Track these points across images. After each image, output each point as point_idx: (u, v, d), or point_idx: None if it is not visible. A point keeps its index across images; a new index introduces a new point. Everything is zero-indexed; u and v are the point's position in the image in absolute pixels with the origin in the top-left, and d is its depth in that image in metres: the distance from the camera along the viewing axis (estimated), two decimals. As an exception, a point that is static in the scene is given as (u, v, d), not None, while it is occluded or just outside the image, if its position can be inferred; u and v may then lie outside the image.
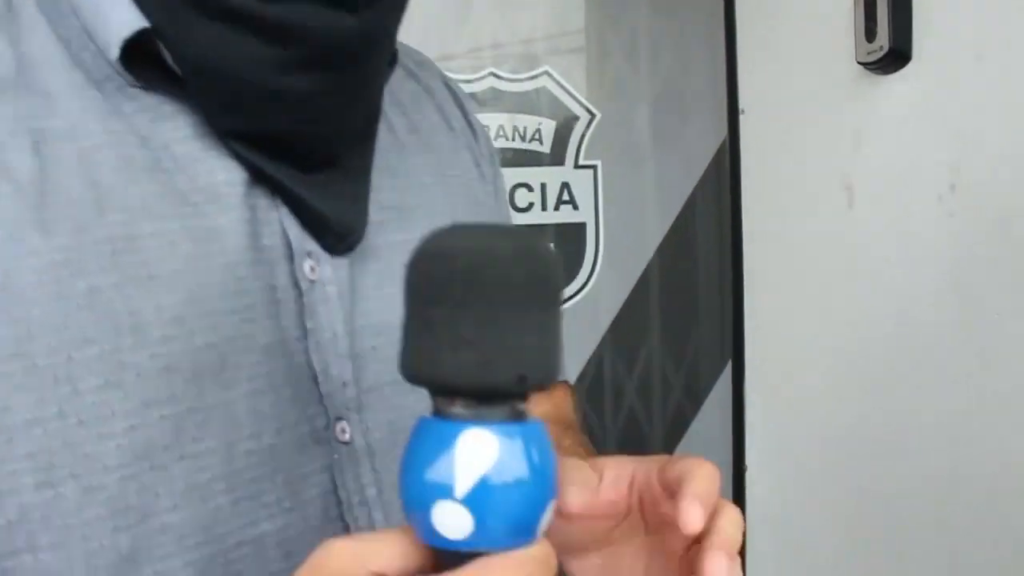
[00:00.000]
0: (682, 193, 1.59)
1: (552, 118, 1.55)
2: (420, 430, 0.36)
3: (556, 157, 1.55)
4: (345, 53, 0.51)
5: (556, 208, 1.55)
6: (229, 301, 0.50)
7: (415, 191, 0.62)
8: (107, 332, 0.46)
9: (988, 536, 1.04)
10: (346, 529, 0.54)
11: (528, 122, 1.54)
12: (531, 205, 1.55)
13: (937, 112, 1.10)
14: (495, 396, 0.35)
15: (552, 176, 1.55)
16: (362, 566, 0.36)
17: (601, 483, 0.48)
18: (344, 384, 0.54)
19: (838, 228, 1.28)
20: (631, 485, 0.48)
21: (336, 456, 0.54)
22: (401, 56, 0.63)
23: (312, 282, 0.53)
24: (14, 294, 0.45)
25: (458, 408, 0.35)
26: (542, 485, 0.36)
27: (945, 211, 1.09)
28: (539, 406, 0.67)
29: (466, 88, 1.52)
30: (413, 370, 0.36)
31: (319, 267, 0.53)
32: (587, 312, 1.58)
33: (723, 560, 0.41)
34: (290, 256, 0.53)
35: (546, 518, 0.37)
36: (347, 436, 0.54)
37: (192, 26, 0.48)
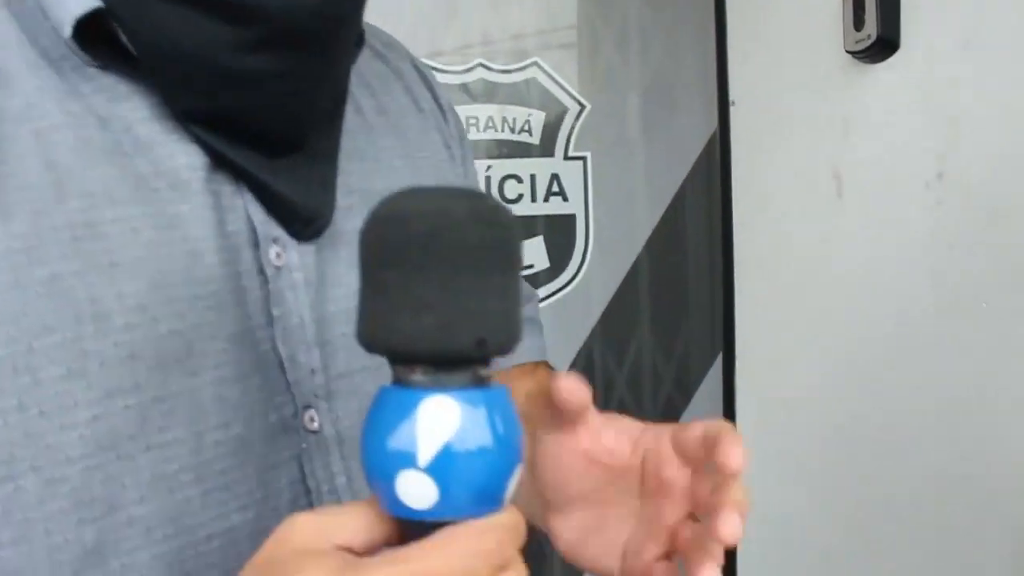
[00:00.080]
0: (672, 185, 1.59)
1: (542, 109, 1.55)
2: (380, 399, 0.36)
3: (546, 148, 1.55)
4: (307, 33, 0.50)
5: (546, 200, 1.55)
6: (193, 288, 0.49)
7: (384, 174, 0.61)
8: (68, 320, 0.45)
9: (970, 516, 1.04)
10: None
11: (517, 113, 1.54)
12: (520, 196, 1.54)
13: (925, 100, 1.10)
14: (455, 361, 0.35)
15: (542, 167, 1.55)
16: (327, 540, 0.36)
17: (604, 430, 0.48)
18: (312, 372, 0.53)
19: (827, 217, 1.28)
20: (636, 444, 0.48)
21: (304, 445, 0.53)
22: (368, 37, 0.62)
23: (278, 268, 0.52)
24: None
25: (418, 375, 0.35)
26: (507, 451, 0.36)
27: (933, 199, 1.09)
28: (523, 384, 0.67)
29: (455, 79, 1.52)
30: (370, 337, 0.35)
31: (285, 253, 0.53)
32: (577, 304, 1.57)
33: (738, 520, 0.42)
34: (255, 242, 0.52)
35: (512, 485, 0.37)
36: (316, 425, 0.54)
37: (147, 4, 0.48)
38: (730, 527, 0.42)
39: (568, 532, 0.51)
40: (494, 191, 1.54)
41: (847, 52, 1.19)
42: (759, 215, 1.48)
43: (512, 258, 0.35)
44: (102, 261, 0.46)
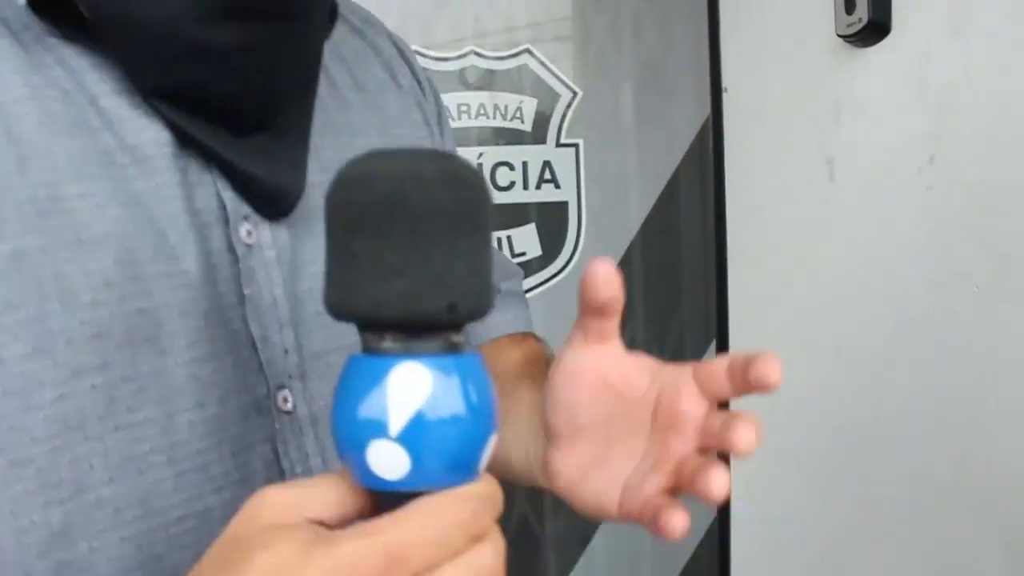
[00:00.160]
0: (665, 171, 1.58)
1: (534, 96, 1.54)
2: (349, 368, 0.35)
3: (538, 135, 1.54)
4: (273, 2, 0.48)
5: (538, 187, 1.54)
6: (161, 265, 0.48)
7: (359, 150, 0.59)
8: (32, 297, 0.44)
9: (969, 514, 1.04)
10: None
11: (509, 100, 1.53)
12: (512, 184, 1.53)
13: (916, 84, 1.10)
14: (426, 327, 0.34)
15: (534, 154, 1.54)
16: (299, 513, 0.35)
17: (626, 359, 0.48)
18: (286, 351, 0.52)
19: (819, 202, 1.27)
20: (654, 378, 0.48)
21: (278, 426, 0.52)
22: (345, 12, 0.61)
23: (249, 247, 0.51)
24: None
25: (388, 343, 0.34)
26: (480, 419, 0.35)
27: (924, 183, 1.08)
28: (511, 354, 0.66)
29: (447, 66, 1.51)
30: (337, 303, 0.34)
31: (256, 231, 0.52)
32: (569, 291, 1.56)
33: (753, 434, 0.42)
34: (225, 220, 0.51)
35: (487, 454, 0.36)
36: (289, 405, 0.53)
37: None
38: (746, 437, 0.42)
39: (568, 468, 0.50)
40: (486, 178, 1.53)
41: (838, 36, 1.18)
42: (752, 201, 1.48)
43: (483, 220, 0.35)
44: (67, 237, 0.45)
